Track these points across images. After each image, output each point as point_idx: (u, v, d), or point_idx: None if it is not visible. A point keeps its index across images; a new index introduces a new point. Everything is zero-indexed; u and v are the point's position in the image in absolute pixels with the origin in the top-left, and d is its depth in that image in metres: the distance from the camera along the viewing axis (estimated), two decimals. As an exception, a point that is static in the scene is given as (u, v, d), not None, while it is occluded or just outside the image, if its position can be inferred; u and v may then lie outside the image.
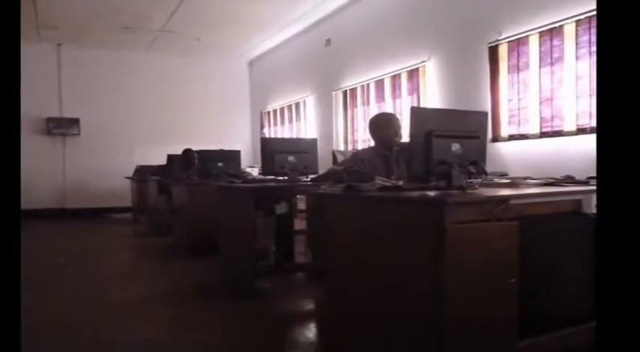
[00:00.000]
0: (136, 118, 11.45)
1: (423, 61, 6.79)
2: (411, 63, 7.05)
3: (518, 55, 5.50)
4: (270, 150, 4.64)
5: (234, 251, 4.60)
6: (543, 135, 5.22)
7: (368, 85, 8.14)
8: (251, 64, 12.88)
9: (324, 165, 4.87)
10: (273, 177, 4.72)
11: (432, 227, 2.15)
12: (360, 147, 8.23)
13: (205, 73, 12.25)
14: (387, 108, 7.60)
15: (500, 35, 5.59)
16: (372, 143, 4.04)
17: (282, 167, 4.59)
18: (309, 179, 4.64)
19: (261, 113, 12.26)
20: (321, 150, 5.28)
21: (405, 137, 3.33)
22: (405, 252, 2.34)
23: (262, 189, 4.42)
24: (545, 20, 5.12)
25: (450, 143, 2.62)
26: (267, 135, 11.66)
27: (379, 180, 2.80)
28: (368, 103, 8.21)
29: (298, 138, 9.85)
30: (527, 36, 5.35)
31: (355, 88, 8.51)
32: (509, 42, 5.56)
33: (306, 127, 10.27)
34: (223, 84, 12.55)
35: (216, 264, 5.04)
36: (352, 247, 2.76)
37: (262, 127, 12.25)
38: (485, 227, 2.22)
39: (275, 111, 11.80)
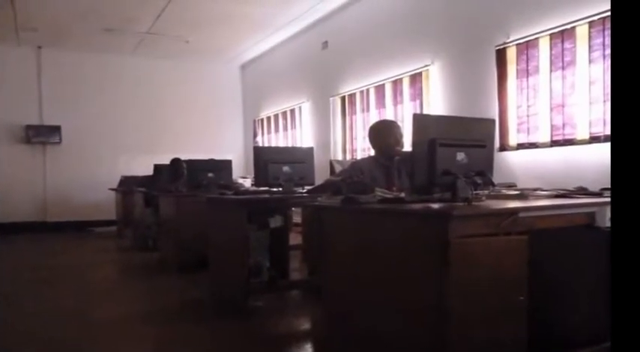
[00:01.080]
0: (121, 126, 11.42)
1: (426, 65, 6.81)
2: (413, 67, 7.06)
3: (528, 59, 5.52)
4: (264, 160, 4.63)
5: (226, 267, 4.59)
6: (554, 143, 5.22)
7: (368, 90, 8.14)
8: (243, 67, 12.90)
9: (321, 176, 4.87)
10: (266, 188, 4.71)
11: (435, 241, 2.14)
12: (359, 156, 8.22)
13: (194, 78, 12.24)
14: (388, 115, 7.60)
15: (509, 37, 5.60)
16: (371, 152, 4.04)
17: (277, 178, 4.59)
18: (305, 190, 4.63)
19: (254, 120, 12.27)
20: (318, 159, 5.27)
21: (407, 146, 3.35)
22: (407, 267, 2.33)
23: (255, 201, 4.41)
24: (556, 21, 5.14)
25: (455, 152, 2.61)
26: (261, 144, 11.67)
27: (379, 192, 2.79)
28: (368, 110, 8.21)
29: (293, 147, 9.82)
30: (537, 38, 5.36)
31: (354, 94, 8.52)
32: (517, 44, 5.58)
33: (301, 135, 10.27)
34: (214, 89, 12.57)
35: (206, 280, 5.02)
36: (351, 262, 2.75)
37: (255, 135, 12.24)
38: (492, 241, 2.21)
39: (269, 118, 11.80)
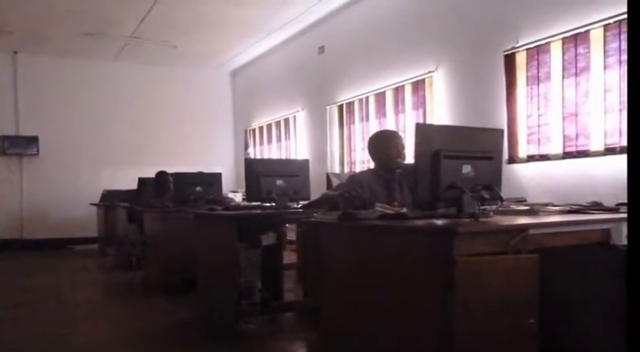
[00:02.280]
0: (103, 136, 11.40)
1: (429, 72, 6.82)
2: (416, 73, 7.07)
3: (538, 65, 5.53)
4: (256, 173, 4.64)
5: (215, 287, 4.58)
6: (567, 155, 5.24)
7: (367, 98, 8.17)
8: (234, 74, 12.94)
9: (317, 190, 4.83)
10: (258, 203, 4.71)
11: (440, 260, 2.15)
12: (357, 169, 8.24)
13: (182, 85, 12.24)
14: (389, 124, 7.62)
15: (518, 42, 5.63)
16: (371, 164, 4.07)
17: (270, 192, 4.59)
18: (299, 205, 4.63)
19: (246, 130, 12.28)
20: (314, 172, 5.28)
21: (410, 158, 3.34)
22: (410, 288, 2.33)
23: (246, 217, 4.42)
24: (569, 25, 5.16)
25: (461, 164, 2.61)
26: (252, 156, 11.71)
27: (380, 207, 2.80)
28: (367, 119, 8.23)
29: (287, 159, 9.86)
30: (549, 43, 5.39)
31: (353, 102, 8.54)
32: (527, 49, 5.61)
33: (296, 147, 10.29)
34: (202, 97, 12.58)
35: (194, 302, 5.03)
36: (349, 281, 2.75)
37: (247, 147, 12.24)
38: (500, 260, 2.22)
39: (261, 128, 11.83)
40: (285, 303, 5.04)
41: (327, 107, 9.00)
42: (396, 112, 7.61)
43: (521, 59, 5.72)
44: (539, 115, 5.56)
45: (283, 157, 10.52)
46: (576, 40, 5.18)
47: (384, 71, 7.66)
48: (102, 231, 9.71)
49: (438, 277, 2.16)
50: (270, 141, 11.55)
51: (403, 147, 3.87)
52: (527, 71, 5.67)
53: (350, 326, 2.78)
